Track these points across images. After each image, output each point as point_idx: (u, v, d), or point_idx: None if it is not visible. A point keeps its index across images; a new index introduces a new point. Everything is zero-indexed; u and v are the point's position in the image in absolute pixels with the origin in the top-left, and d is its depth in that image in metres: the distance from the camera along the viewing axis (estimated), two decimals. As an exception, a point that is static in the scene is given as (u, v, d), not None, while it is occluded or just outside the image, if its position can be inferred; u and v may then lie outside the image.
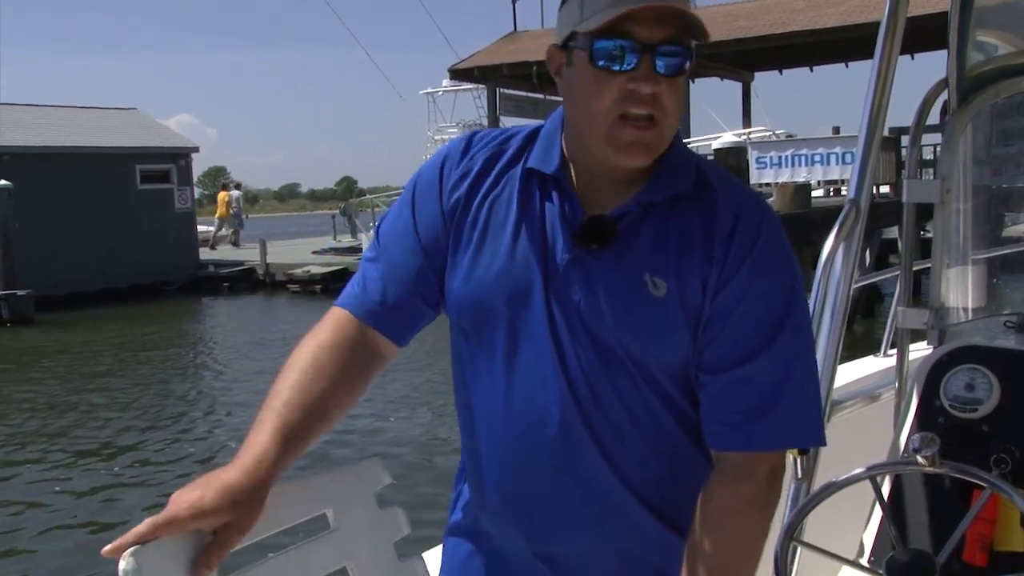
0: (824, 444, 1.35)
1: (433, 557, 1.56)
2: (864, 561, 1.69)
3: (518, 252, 1.35)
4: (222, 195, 28.26)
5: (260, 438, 1.20)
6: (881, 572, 1.48)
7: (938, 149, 2.42)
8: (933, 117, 2.31)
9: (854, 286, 1.94)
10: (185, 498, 1.10)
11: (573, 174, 1.36)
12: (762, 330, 1.30)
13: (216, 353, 15.10)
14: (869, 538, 1.76)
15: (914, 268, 2.39)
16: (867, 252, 14.58)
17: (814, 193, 17.53)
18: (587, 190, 1.35)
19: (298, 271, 21.33)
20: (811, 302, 1.84)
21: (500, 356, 1.36)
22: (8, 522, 6.94)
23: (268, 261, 22.58)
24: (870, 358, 2.99)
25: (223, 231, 28.20)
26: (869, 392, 2.20)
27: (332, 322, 1.39)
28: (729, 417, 1.31)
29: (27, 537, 6.60)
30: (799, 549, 1.63)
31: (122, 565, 1.03)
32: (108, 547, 1.05)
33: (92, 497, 7.51)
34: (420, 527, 1.50)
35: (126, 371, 13.32)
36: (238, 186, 30.43)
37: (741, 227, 1.30)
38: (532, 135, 1.42)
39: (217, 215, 28.27)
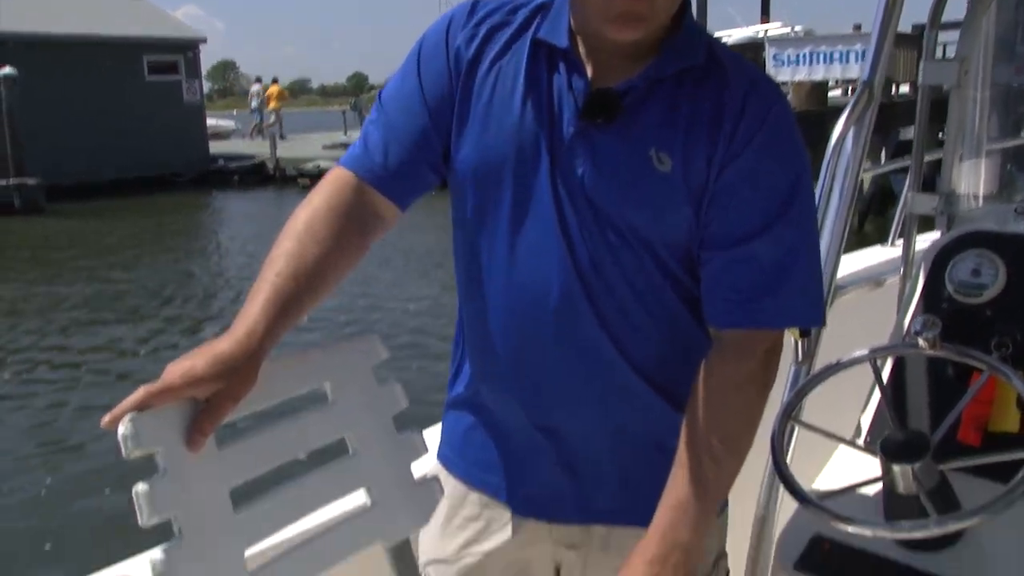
0: (824, 324, 1.34)
1: (432, 434, 1.58)
2: (860, 442, 1.71)
3: (525, 122, 1.32)
4: (275, 88, 27.88)
5: (252, 309, 1.19)
6: (876, 451, 1.50)
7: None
8: (958, 11, 2.22)
9: (865, 174, 1.91)
10: (178, 367, 1.11)
11: (581, 48, 1.33)
12: (768, 208, 1.28)
13: (231, 244, 15.20)
14: (866, 420, 1.77)
15: (926, 159, 2.35)
16: (883, 151, 14.39)
17: (831, 92, 17.20)
18: (595, 64, 1.32)
19: (308, 165, 21.21)
20: (819, 185, 1.82)
21: (503, 227, 1.35)
22: (32, 402, 7.13)
23: (278, 155, 22.44)
24: (876, 248, 2.97)
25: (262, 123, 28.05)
26: (874, 278, 2.19)
27: (330, 184, 1.38)
28: (731, 295, 1.30)
29: (54, 421, 6.80)
30: (796, 429, 1.65)
31: (121, 431, 1.04)
32: (106, 418, 1.06)
33: (113, 377, 7.75)
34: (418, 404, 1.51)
35: (144, 260, 13.48)
36: (259, 80, 29.97)
37: (751, 104, 1.27)
38: (539, 7, 1.38)
39: (271, 107, 27.89)
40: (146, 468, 1.07)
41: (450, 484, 1.54)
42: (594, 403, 1.39)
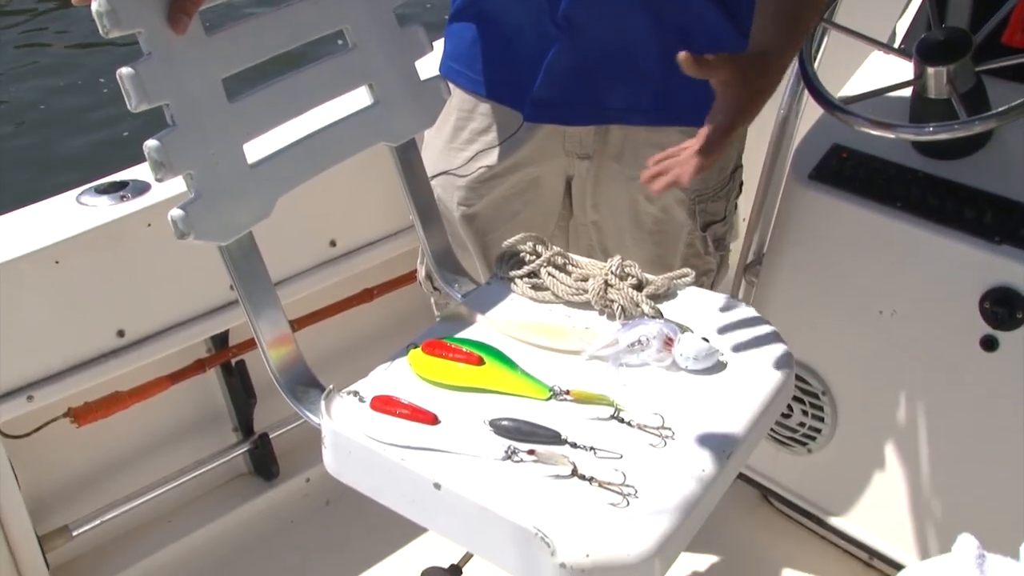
0: None
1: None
2: (895, 46, 1.60)
3: None
4: None
5: None
6: (911, 54, 1.41)
7: None
8: None
9: None
10: None
11: None
12: None
13: None
14: (903, 27, 1.66)
15: None
16: None
17: None
18: None
19: None
20: None
21: None
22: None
23: None
24: None
25: None
26: None
27: None
28: None
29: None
30: (827, 35, 1.55)
31: (95, 7, 0.95)
32: None
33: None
34: None
35: None
36: None
37: None
38: None
39: None
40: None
41: (457, 97, 1.48)
42: None
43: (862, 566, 1.79)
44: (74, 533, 1.71)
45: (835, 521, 1.73)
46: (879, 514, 1.66)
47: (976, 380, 1.46)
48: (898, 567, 1.68)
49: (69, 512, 1.73)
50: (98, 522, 1.74)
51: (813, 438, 1.70)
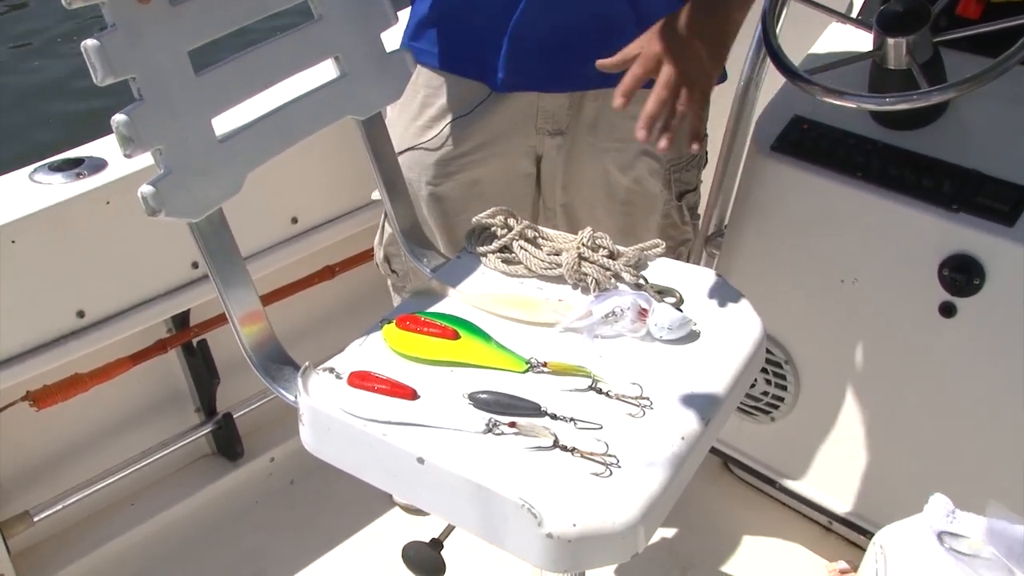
0: None
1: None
2: (854, 16, 1.62)
3: None
4: None
5: None
6: (871, 24, 1.42)
7: None
8: None
9: None
10: None
11: None
12: None
13: None
14: (861, -1, 1.68)
15: None
16: None
17: None
18: None
19: None
20: None
21: None
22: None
23: None
24: None
25: None
26: None
27: None
28: None
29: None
30: (787, 6, 1.56)
31: None
32: None
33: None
34: None
35: None
36: None
37: None
38: None
39: None
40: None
41: (424, 76, 1.47)
42: None
43: (821, 530, 1.83)
44: (35, 518, 1.68)
45: (797, 487, 1.77)
46: (840, 480, 1.69)
47: (935, 346, 1.49)
48: (858, 531, 1.72)
49: (30, 497, 1.70)
50: (60, 507, 1.71)
51: (776, 407, 1.72)
